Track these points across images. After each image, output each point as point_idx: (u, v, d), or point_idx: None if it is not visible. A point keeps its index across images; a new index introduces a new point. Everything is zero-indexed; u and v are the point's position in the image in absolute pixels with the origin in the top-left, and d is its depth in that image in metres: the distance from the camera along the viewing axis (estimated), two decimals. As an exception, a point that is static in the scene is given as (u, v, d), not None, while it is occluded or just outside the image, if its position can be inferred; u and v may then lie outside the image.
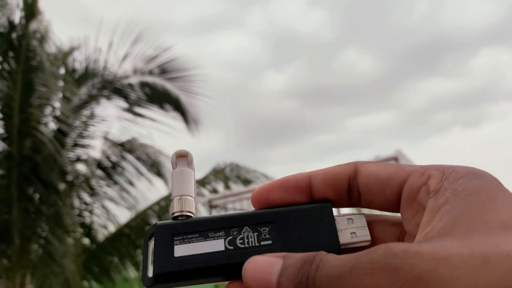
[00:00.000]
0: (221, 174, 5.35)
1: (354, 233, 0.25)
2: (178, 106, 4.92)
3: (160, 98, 4.88)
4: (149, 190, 4.74)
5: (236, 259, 0.24)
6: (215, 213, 4.33)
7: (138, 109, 4.85)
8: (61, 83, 4.37)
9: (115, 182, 4.61)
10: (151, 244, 0.25)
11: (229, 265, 0.24)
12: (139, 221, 4.58)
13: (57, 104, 4.20)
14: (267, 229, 0.25)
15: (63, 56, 4.56)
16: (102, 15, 5.42)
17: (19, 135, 3.80)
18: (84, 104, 4.53)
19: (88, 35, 4.76)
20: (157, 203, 4.70)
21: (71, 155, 4.38)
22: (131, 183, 4.66)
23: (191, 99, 4.93)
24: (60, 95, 4.23)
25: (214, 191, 5.09)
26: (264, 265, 0.22)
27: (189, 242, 0.25)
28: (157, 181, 4.78)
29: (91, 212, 4.54)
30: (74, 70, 4.70)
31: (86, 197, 4.54)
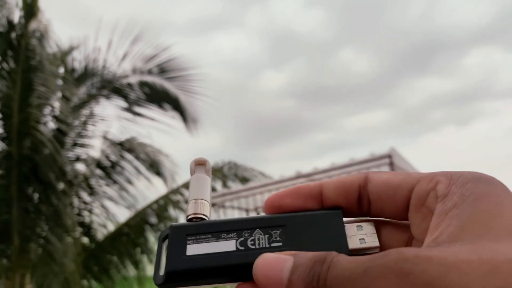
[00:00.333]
0: (219, 172, 5.37)
1: (363, 239, 0.26)
2: (177, 106, 4.93)
3: (159, 97, 4.89)
4: (148, 189, 4.76)
5: (246, 259, 0.24)
6: (214, 212, 4.34)
7: (137, 109, 4.86)
8: (60, 83, 4.37)
9: (115, 182, 4.62)
10: (165, 245, 0.26)
11: (239, 265, 0.24)
12: (138, 220, 4.59)
13: (56, 104, 4.21)
14: (278, 232, 0.26)
15: (63, 55, 4.56)
16: (101, 14, 5.43)
17: (19, 134, 3.80)
18: (83, 104, 4.53)
19: (88, 34, 4.77)
20: (156, 202, 4.72)
21: (71, 154, 4.39)
22: (130, 182, 4.67)
23: (190, 99, 4.94)
24: (60, 94, 4.24)
25: (212, 189, 5.11)
26: (275, 262, 0.22)
27: (201, 242, 0.25)
28: (156, 180, 4.80)
29: (90, 211, 4.55)
30: (73, 70, 4.70)
31: (85, 196, 4.55)
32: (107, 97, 4.77)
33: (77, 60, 4.75)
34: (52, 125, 4.17)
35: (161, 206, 4.71)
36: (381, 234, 0.26)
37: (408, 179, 0.24)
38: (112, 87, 4.74)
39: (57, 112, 4.17)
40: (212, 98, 5.06)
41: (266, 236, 0.25)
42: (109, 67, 4.77)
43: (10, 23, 3.92)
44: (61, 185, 4.04)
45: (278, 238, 0.25)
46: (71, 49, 4.71)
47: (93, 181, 4.57)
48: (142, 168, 4.75)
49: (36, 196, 3.95)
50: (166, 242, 0.26)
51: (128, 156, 4.73)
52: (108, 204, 4.59)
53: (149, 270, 4.67)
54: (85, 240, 4.54)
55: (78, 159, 4.48)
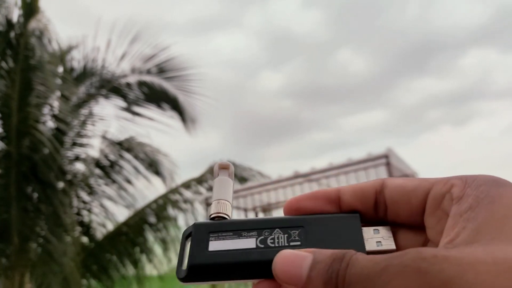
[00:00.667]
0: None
1: (380, 242, 0.26)
2: (176, 105, 4.94)
3: (158, 97, 4.90)
4: (147, 189, 4.76)
5: (266, 256, 0.25)
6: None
7: (136, 108, 4.86)
8: (59, 82, 4.37)
9: (114, 181, 4.62)
10: (188, 243, 0.27)
11: (259, 261, 0.25)
12: (137, 220, 4.59)
13: (55, 103, 4.21)
14: (297, 232, 0.27)
15: (62, 55, 4.56)
16: (100, 14, 5.43)
17: (18, 134, 3.80)
18: (82, 103, 4.53)
19: (87, 34, 4.77)
20: (155, 201, 4.72)
21: (70, 154, 4.39)
22: (129, 182, 4.67)
23: (189, 98, 4.95)
24: (59, 94, 4.24)
25: (211, 189, 5.11)
26: (294, 259, 0.23)
27: (223, 239, 0.26)
28: (155, 180, 4.81)
29: (89, 210, 4.55)
30: (72, 69, 4.70)
31: (84, 196, 4.55)
32: (106, 96, 4.78)
33: (76, 60, 4.76)
34: (51, 124, 4.17)
35: (160, 205, 4.71)
36: (398, 238, 0.27)
37: (424, 183, 0.25)
38: (111, 86, 4.75)
39: (56, 112, 4.17)
40: (211, 98, 5.08)
41: (285, 235, 0.26)
42: (108, 67, 4.77)
43: (9, 22, 3.92)
44: (60, 185, 4.04)
45: (297, 238, 0.26)
46: (70, 49, 4.71)
47: (92, 181, 4.57)
48: (141, 167, 4.75)
49: (35, 195, 3.95)
50: (189, 239, 0.28)
51: (127, 155, 4.73)
52: (107, 203, 4.59)
53: (148, 269, 4.68)
54: (85, 239, 4.54)
55: (77, 158, 4.48)
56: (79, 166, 4.59)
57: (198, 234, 0.27)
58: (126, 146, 4.72)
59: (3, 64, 3.92)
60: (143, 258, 4.59)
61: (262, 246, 0.26)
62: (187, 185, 4.92)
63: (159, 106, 4.92)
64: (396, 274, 0.19)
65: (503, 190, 0.22)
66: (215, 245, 0.26)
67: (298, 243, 0.26)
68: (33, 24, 3.84)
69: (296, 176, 5.26)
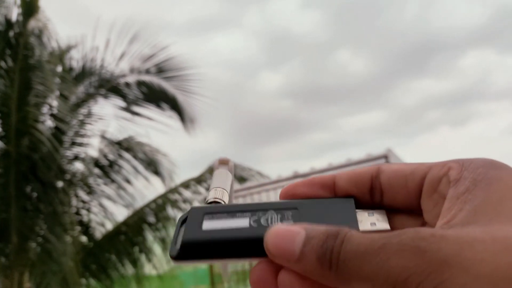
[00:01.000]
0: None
1: (374, 223, 0.26)
2: (174, 105, 4.94)
3: (157, 97, 4.90)
4: (146, 188, 4.77)
5: (258, 232, 0.25)
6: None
7: (135, 108, 4.86)
8: (58, 82, 4.38)
9: (113, 181, 4.63)
10: (184, 225, 0.27)
11: (252, 238, 0.25)
12: (136, 219, 4.60)
13: (54, 103, 4.21)
14: (291, 213, 0.27)
15: (61, 54, 4.56)
16: (99, 13, 5.43)
17: (17, 133, 3.81)
18: (81, 103, 4.54)
19: (86, 33, 4.77)
20: (154, 201, 4.72)
21: (69, 153, 4.39)
22: (128, 182, 4.68)
23: (188, 98, 4.95)
24: (58, 93, 4.24)
25: (209, 188, 5.11)
26: (286, 234, 0.22)
27: (217, 219, 0.27)
28: (154, 180, 4.81)
29: (88, 210, 4.55)
30: (71, 69, 4.70)
31: (83, 195, 4.56)
32: (105, 96, 4.78)
33: (75, 59, 4.76)
34: (50, 124, 4.17)
35: (159, 205, 4.72)
36: (394, 222, 0.26)
37: (420, 167, 0.25)
38: (110, 86, 4.75)
39: (55, 111, 4.17)
40: (210, 98, 5.08)
41: (279, 215, 0.26)
42: (107, 66, 4.78)
43: (8, 22, 3.92)
44: (59, 184, 4.05)
45: (290, 218, 0.26)
46: (69, 48, 4.71)
47: (91, 180, 4.57)
48: (140, 167, 4.76)
49: (34, 194, 3.95)
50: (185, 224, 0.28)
51: (126, 155, 4.74)
52: (106, 203, 4.60)
53: (147, 268, 4.68)
54: (84, 239, 4.54)
55: (76, 158, 4.49)
56: (78, 166, 4.60)
57: (193, 216, 0.27)
58: (125, 145, 4.72)
59: (2, 64, 3.93)
60: (142, 257, 4.59)
61: (255, 225, 0.26)
62: (186, 185, 4.92)
63: (158, 105, 4.92)
64: (394, 253, 0.19)
65: (501, 172, 0.22)
66: (209, 224, 0.26)
67: (291, 221, 0.26)
68: (32, 24, 3.84)
69: (296, 176, 5.27)
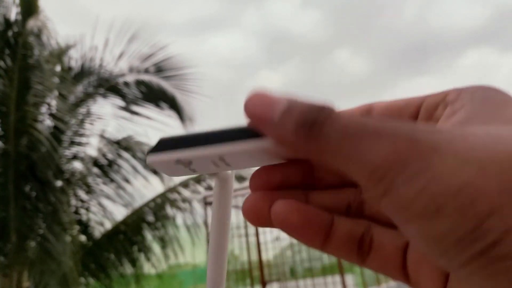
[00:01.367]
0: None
1: None
2: (173, 104, 4.95)
3: (156, 96, 4.90)
4: (145, 188, 4.77)
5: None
6: (210, 210, 4.35)
7: (134, 107, 4.87)
8: (57, 81, 4.38)
9: (112, 180, 4.63)
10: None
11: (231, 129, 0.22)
12: (135, 218, 4.60)
13: (53, 102, 4.21)
14: None
15: (60, 54, 4.56)
16: (98, 13, 5.43)
17: (16, 133, 3.81)
18: (80, 102, 4.54)
19: (84, 33, 4.78)
20: (153, 200, 4.73)
21: (68, 153, 4.39)
22: (127, 181, 4.68)
23: (187, 98, 4.96)
24: (57, 93, 4.24)
25: (209, 188, 5.12)
26: (267, 100, 0.20)
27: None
28: (153, 179, 4.82)
29: (87, 209, 4.56)
30: (70, 68, 4.71)
31: (82, 194, 4.56)
32: (104, 95, 4.79)
33: (74, 59, 4.76)
34: (49, 123, 4.18)
35: (158, 204, 4.72)
36: None
37: (415, 99, 0.24)
38: (109, 85, 4.75)
39: (54, 111, 4.17)
40: (209, 97, 5.09)
41: None
42: (106, 66, 4.78)
43: (7, 21, 3.93)
44: (58, 183, 4.06)
45: None
46: (68, 48, 4.71)
47: (90, 180, 4.58)
48: (139, 166, 4.76)
49: (33, 194, 3.96)
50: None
51: (125, 154, 4.74)
52: (105, 202, 4.61)
53: (146, 268, 4.69)
54: (83, 238, 4.55)
55: (75, 157, 4.49)
56: (77, 165, 4.60)
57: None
58: (124, 145, 4.73)
59: (1, 63, 3.93)
60: (141, 256, 4.60)
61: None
62: (185, 184, 4.93)
63: (157, 105, 4.93)
64: (386, 139, 0.18)
65: (498, 92, 0.22)
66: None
67: None
68: (31, 23, 3.84)
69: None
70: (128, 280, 4.55)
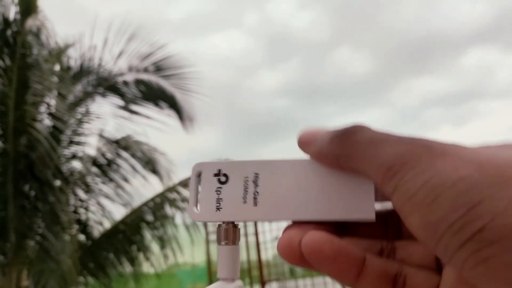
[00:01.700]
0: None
1: None
2: (173, 104, 4.94)
3: (155, 95, 4.90)
4: (144, 187, 4.77)
5: None
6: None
7: (133, 107, 4.86)
8: (56, 81, 4.38)
9: (111, 179, 4.63)
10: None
11: None
12: (134, 218, 4.60)
13: (52, 102, 4.21)
14: None
15: (59, 53, 4.56)
16: (97, 12, 5.42)
17: (15, 132, 3.81)
18: (79, 102, 4.54)
19: (83, 32, 4.77)
20: (152, 200, 4.73)
21: (67, 152, 4.39)
22: (126, 180, 4.68)
23: (186, 97, 4.95)
24: (55, 92, 4.24)
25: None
26: (312, 129, 0.26)
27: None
28: (152, 178, 4.81)
29: (86, 209, 4.56)
30: (69, 67, 4.70)
31: (81, 194, 4.56)
32: (103, 95, 4.78)
33: (73, 58, 4.76)
34: (48, 122, 4.17)
35: (157, 204, 4.72)
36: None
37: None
38: (108, 85, 4.75)
39: (53, 110, 4.17)
40: (208, 97, 5.09)
41: None
42: (105, 65, 4.77)
43: (6, 20, 3.92)
44: (57, 183, 4.05)
45: None
46: (67, 47, 4.71)
47: (89, 179, 4.58)
48: (138, 166, 4.76)
49: (32, 193, 3.96)
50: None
51: (124, 154, 4.74)
52: (104, 201, 4.60)
53: (145, 267, 4.69)
54: (82, 237, 4.55)
55: (74, 156, 4.49)
56: (76, 164, 4.59)
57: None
58: (123, 144, 4.72)
59: (0, 62, 3.92)
60: (140, 256, 4.60)
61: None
62: (184, 183, 4.92)
63: (156, 104, 4.92)
64: (404, 144, 0.21)
65: None
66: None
67: None
68: (30, 22, 3.84)
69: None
70: (127, 279, 4.55)
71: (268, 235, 4.84)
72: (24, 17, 3.92)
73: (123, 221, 4.56)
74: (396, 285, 0.24)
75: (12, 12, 3.98)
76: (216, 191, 0.29)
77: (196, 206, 0.29)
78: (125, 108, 4.83)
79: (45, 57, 4.05)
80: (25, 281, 3.82)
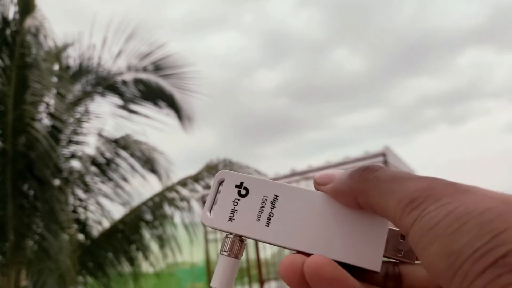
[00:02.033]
0: (214, 170, 5.37)
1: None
2: (172, 103, 4.94)
3: (154, 95, 4.90)
4: (143, 187, 4.77)
5: None
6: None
7: (132, 106, 4.86)
8: (55, 80, 4.37)
9: (110, 179, 4.63)
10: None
11: None
12: (134, 217, 4.60)
13: (51, 101, 4.20)
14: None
15: (58, 52, 4.55)
16: (96, 11, 5.41)
17: (13, 131, 3.80)
18: (78, 101, 4.53)
19: (82, 31, 4.76)
20: (151, 199, 4.73)
21: (66, 151, 4.39)
22: (125, 180, 4.68)
23: (185, 96, 4.96)
24: (54, 91, 4.23)
25: (207, 187, 5.12)
26: (328, 171, 0.28)
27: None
28: (151, 178, 4.81)
29: (85, 208, 4.55)
30: (68, 67, 4.70)
31: (80, 193, 4.56)
32: (102, 94, 4.78)
33: (72, 57, 4.75)
34: (47, 122, 4.17)
35: (156, 203, 4.72)
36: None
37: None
38: (107, 84, 4.75)
39: (52, 109, 4.16)
40: (207, 96, 5.09)
41: None
42: (104, 64, 4.77)
43: (5, 20, 3.92)
44: (56, 182, 4.05)
45: None
46: (66, 46, 4.70)
47: (88, 178, 4.57)
48: (137, 165, 4.76)
49: (31, 193, 3.95)
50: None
51: (123, 153, 4.73)
52: (103, 201, 4.60)
53: (144, 266, 4.69)
54: (81, 236, 4.55)
55: (73, 156, 4.48)
56: (75, 164, 4.59)
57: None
58: (122, 144, 4.72)
59: (-1, 62, 3.92)
60: (139, 255, 4.60)
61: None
62: (183, 183, 4.93)
63: (155, 103, 4.92)
64: (426, 180, 0.22)
65: None
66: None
67: None
68: (29, 22, 3.83)
69: (293, 174, 5.29)
70: (126, 278, 4.55)
71: (267, 235, 4.84)
72: (22, 16, 3.91)
73: (122, 221, 4.56)
74: None
75: (11, 12, 3.98)
76: (234, 202, 0.29)
77: (210, 211, 0.30)
78: (124, 107, 4.83)
79: (44, 57, 4.04)
80: (23, 280, 3.82)
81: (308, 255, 0.26)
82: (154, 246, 4.66)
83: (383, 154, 4.61)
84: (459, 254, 0.18)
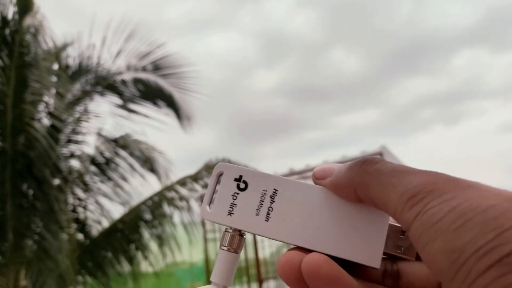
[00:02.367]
0: (213, 169, 5.36)
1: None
2: (171, 103, 4.94)
3: (153, 94, 4.90)
4: (142, 186, 4.77)
5: None
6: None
7: (131, 106, 4.86)
8: (54, 79, 4.37)
9: (109, 178, 4.62)
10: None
11: None
12: (133, 217, 4.60)
13: (50, 100, 4.20)
14: None
15: (57, 52, 4.55)
16: (95, 11, 5.41)
17: (13, 131, 3.80)
18: (77, 100, 4.53)
19: (82, 31, 4.76)
20: (150, 198, 4.73)
21: (65, 151, 4.38)
22: (124, 179, 4.68)
23: (184, 96, 4.96)
24: (54, 91, 4.23)
25: (207, 186, 5.11)
26: (328, 165, 0.28)
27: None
28: (150, 177, 4.82)
29: (85, 207, 4.55)
30: (67, 66, 4.70)
31: (80, 193, 4.55)
32: (101, 94, 4.78)
33: (71, 57, 4.75)
34: (46, 121, 4.17)
35: (156, 202, 4.72)
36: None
37: None
38: (106, 84, 4.75)
39: (51, 109, 4.16)
40: (206, 96, 5.09)
41: None
42: (103, 64, 4.77)
43: (4, 19, 3.91)
44: (55, 182, 4.05)
45: None
46: (65, 46, 4.70)
47: (87, 178, 4.57)
48: (137, 165, 4.76)
49: (30, 192, 3.95)
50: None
51: (123, 153, 4.73)
52: (103, 200, 4.60)
53: (144, 266, 4.69)
54: (80, 236, 4.55)
55: (72, 155, 4.48)
56: (75, 163, 4.59)
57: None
58: (121, 143, 4.72)
59: (-2, 61, 3.91)
60: (139, 255, 4.60)
61: None
62: (182, 182, 4.93)
63: (154, 103, 4.92)
64: (429, 174, 0.21)
65: None
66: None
67: None
68: (28, 21, 3.83)
69: (291, 173, 5.29)
70: (126, 278, 4.55)
71: (266, 234, 4.84)
72: (22, 16, 3.91)
73: (121, 220, 4.56)
74: None
75: (10, 11, 3.97)
76: (233, 196, 0.29)
77: (209, 205, 0.29)
78: (123, 107, 4.83)
79: (43, 56, 4.04)
80: (23, 280, 3.81)
81: (307, 250, 0.26)
82: (153, 245, 4.66)
83: (380, 154, 4.62)
84: (462, 251, 0.18)
